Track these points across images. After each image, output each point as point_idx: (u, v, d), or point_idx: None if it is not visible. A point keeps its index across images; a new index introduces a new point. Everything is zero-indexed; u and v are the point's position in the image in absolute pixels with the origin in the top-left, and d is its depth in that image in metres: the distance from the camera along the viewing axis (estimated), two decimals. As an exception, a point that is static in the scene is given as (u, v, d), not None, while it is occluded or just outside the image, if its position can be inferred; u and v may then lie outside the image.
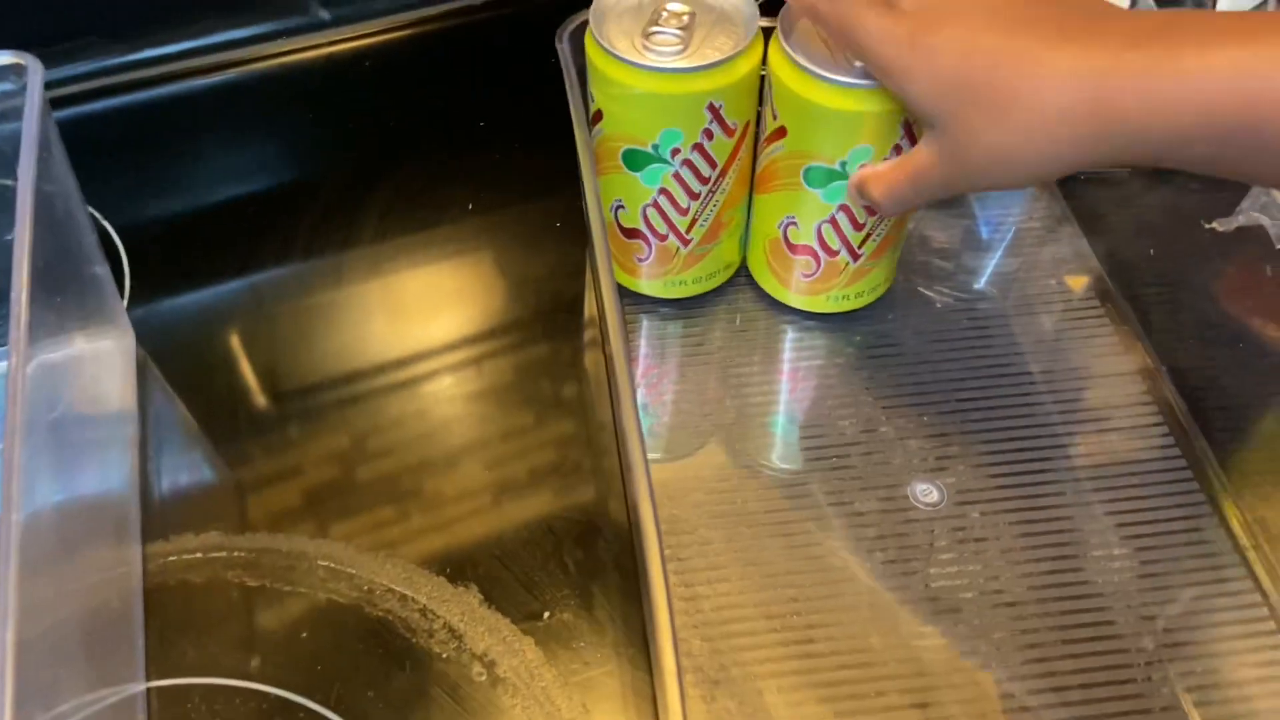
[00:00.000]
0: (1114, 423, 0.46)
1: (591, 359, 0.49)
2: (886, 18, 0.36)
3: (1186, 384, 0.47)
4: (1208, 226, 0.51)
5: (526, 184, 0.55)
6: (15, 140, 0.37)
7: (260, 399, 0.47)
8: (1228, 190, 0.49)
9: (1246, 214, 0.53)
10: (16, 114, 0.38)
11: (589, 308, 0.50)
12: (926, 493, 0.43)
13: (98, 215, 0.52)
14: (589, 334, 0.50)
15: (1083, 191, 0.54)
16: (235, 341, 0.49)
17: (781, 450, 0.45)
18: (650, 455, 0.44)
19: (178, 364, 0.48)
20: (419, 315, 0.50)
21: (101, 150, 0.57)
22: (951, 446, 0.44)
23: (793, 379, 0.47)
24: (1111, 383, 0.47)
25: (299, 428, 0.46)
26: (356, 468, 0.44)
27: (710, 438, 0.45)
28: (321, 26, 0.63)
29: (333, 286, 0.51)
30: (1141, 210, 0.54)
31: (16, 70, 0.39)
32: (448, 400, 0.47)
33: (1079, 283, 0.51)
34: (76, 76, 0.59)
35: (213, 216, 0.54)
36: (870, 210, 0.43)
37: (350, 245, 0.52)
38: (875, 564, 0.41)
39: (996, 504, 0.43)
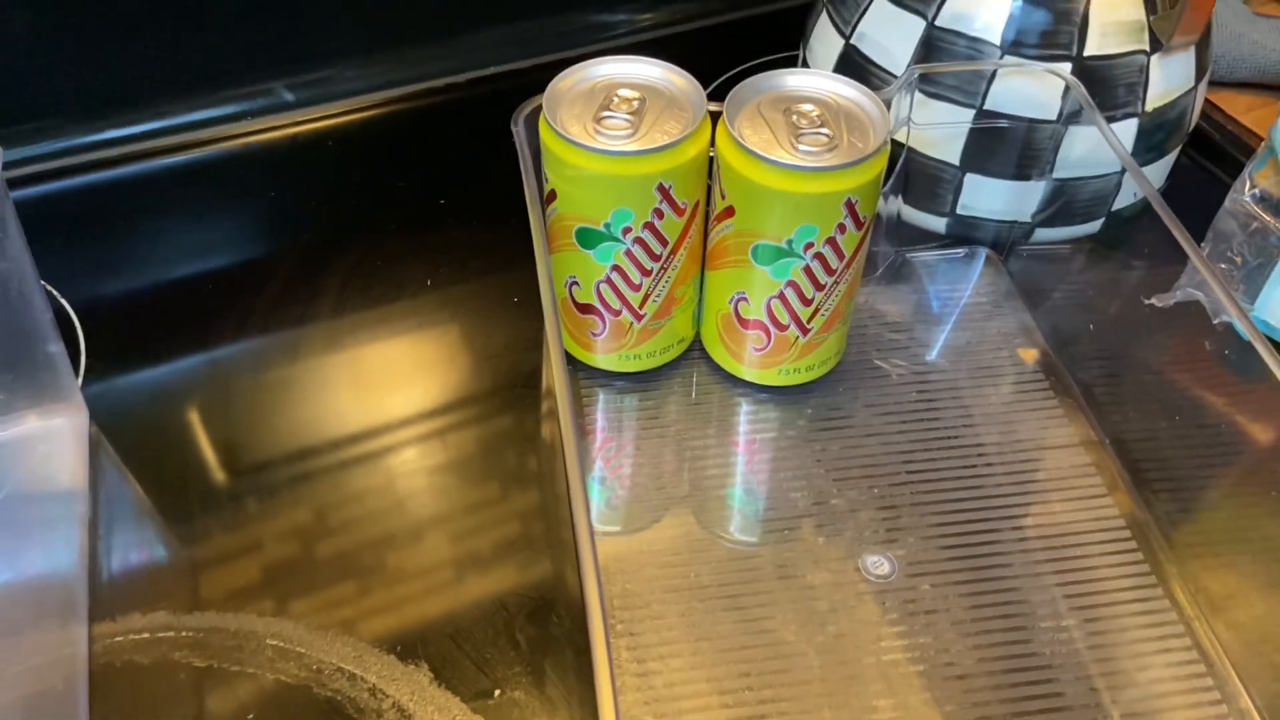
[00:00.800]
0: (1061, 494, 0.46)
1: (549, 430, 0.49)
2: None
3: (1129, 455, 0.48)
4: (1147, 302, 0.53)
5: (484, 260, 0.56)
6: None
7: (215, 475, 0.47)
8: (1167, 266, 0.50)
9: (1184, 290, 0.54)
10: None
11: (547, 379, 0.51)
12: (878, 565, 0.43)
13: (55, 292, 0.53)
14: (547, 405, 0.50)
15: (1027, 267, 0.55)
16: (191, 418, 0.49)
17: (735, 523, 0.45)
18: (605, 528, 0.45)
19: (132, 441, 0.48)
20: (378, 390, 0.51)
21: (62, 228, 0.57)
22: (902, 518, 0.45)
23: (746, 451, 0.48)
24: (1058, 454, 0.48)
25: (254, 504, 0.45)
26: (310, 544, 0.44)
27: (665, 511, 0.45)
28: (285, 108, 0.64)
29: (290, 362, 0.51)
30: (1082, 286, 0.55)
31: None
32: (406, 475, 0.47)
33: (1027, 356, 0.53)
34: (38, 156, 0.60)
35: (172, 294, 0.54)
36: (816, 286, 0.44)
37: (309, 321, 0.53)
38: (828, 637, 0.41)
39: (947, 575, 0.43)
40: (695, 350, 0.51)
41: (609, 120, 0.43)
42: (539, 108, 0.44)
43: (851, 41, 0.54)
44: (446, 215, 0.59)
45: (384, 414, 0.49)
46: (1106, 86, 0.51)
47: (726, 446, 0.48)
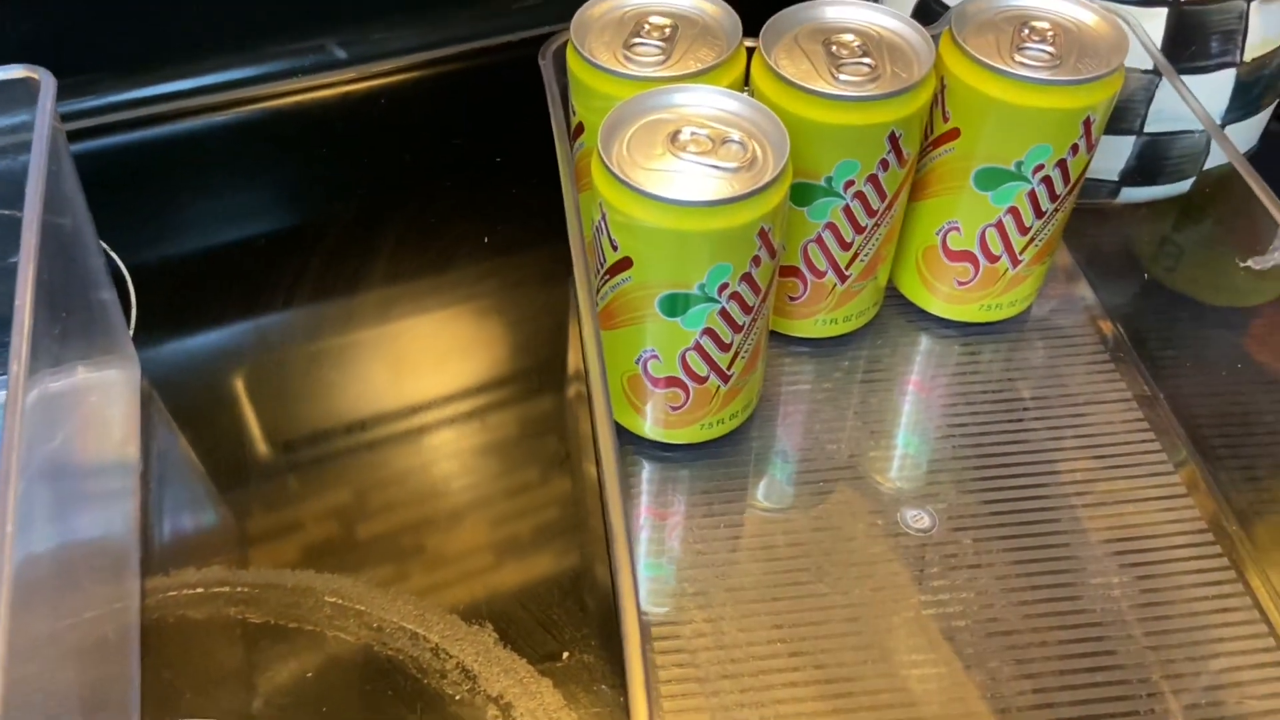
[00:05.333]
0: (1110, 449, 0.44)
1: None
2: None
3: (1185, 411, 0.45)
4: (1243, 265, 0.49)
5: (543, 219, 0.55)
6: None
7: (268, 435, 0.47)
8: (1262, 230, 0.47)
9: None
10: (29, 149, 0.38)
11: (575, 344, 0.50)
12: (917, 518, 0.42)
13: (106, 247, 0.53)
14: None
15: (1075, 222, 0.52)
16: (242, 378, 0.49)
17: (769, 475, 0.44)
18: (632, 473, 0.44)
19: (183, 399, 0.48)
20: (429, 362, 0.50)
21: (112, 185, 0.57)
22: (943, 473, 0.43)
23: (782, 404, 0.46)
24: (1107, 409, 0.45)
25: (308, 466, 0.45)
26: (366, 510, 0.44)
27: (696, 460, 0.44)
28: (337, 65, 0.64)
29: (343, 327, 0.51)
30: (1133, 237, 0.52)
31: (30, 86, 0.38)
32: (468, 440, 0.46)
33: (1074, 308, 0.50)
34: (89, 110, 0.60)
35: (223, 253, 0.55)
36: (856, 229, 0.42)
37: (361, 285, 0.52)
38: (864, 591, 0.40)
39: (989, 530, 0.41)
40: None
41: (639, 47, 0.41)
42: (567, 40, 0.42)
43: None
44: (502, 173, 0.58)
45: (427, 390, 0.48)
46: (1203, 34, 0.48)
47: (761, 399, 0.47)
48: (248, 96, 0.62)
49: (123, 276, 0.52)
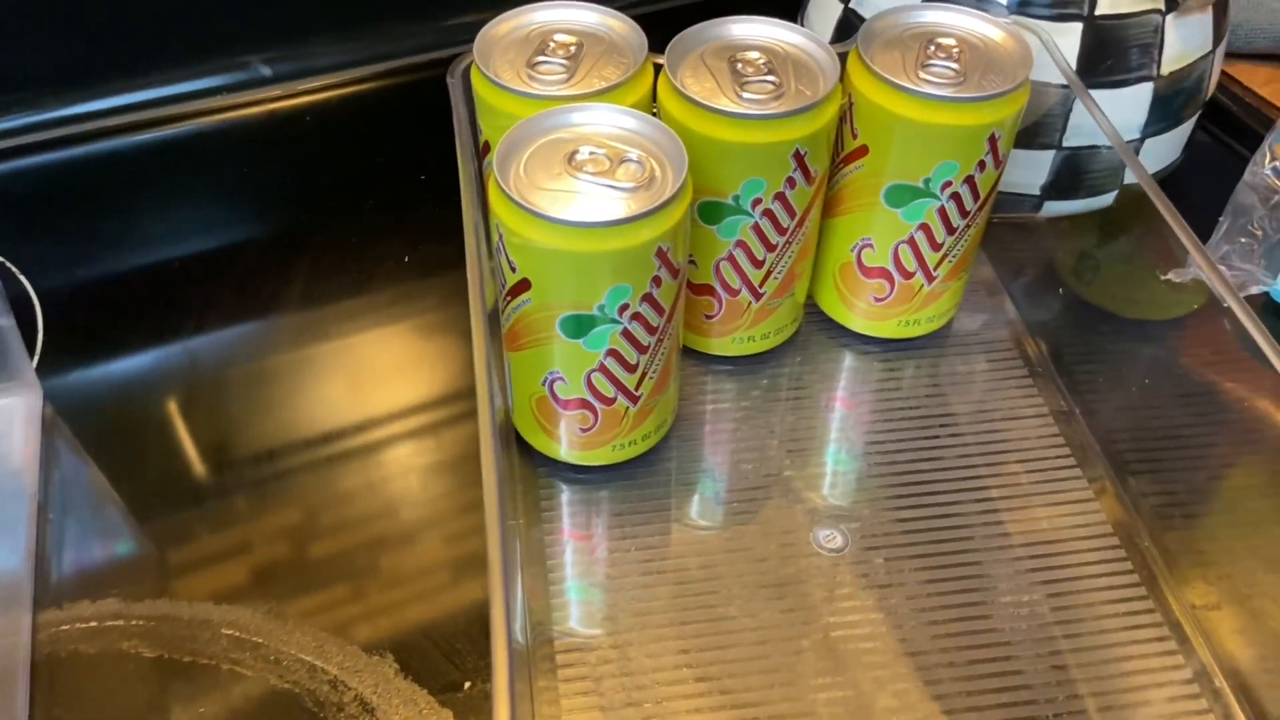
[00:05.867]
0: (1025, 466, 0.44)
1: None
2: None
3: (1100, 425, 0.45)
4: (1164, 278, 0.49)
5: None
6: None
7: (174, 462, 0.46)
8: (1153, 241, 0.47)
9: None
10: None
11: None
12: (830, 538, 0.41)
13: (15, 270, 0.52)
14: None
15: (997, 237, 0.53)
16: (154, 404, 0.48)
17: (681, 495, 0.43)
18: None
19: (91, 425, 0.47)
20: (353, 375, 0.49)
21: (27, 206, 0.57)
22: (859, 490, 0.43)
23: (699, 423, 0.46)
24: (1025, 425, 0.45)
25: (212, 492, 0.44)
26: (266, 534, 0.43)
27: (606, 482, 0.43)
28: (263, 83, 0.63)
29: (259, 347, 0.50)
30: (1055, 251, 0.52)
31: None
32: (381, 468, 0.46)
33: (995, 323, 0.50)
34: (8, 131, 0.59)
35: (139, 276, 0.53)
36: (768, 246, 0.42)
37: (280, 303, 0.52)
38: (775, 613, 0.39)
39: (902, 549, 0.41)
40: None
41: (543, 66, 0.41)
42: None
43: (850, 6, 0.51)
44: (427, 192, 0.57)
45: (364, 408, 0.48)
46: (1119, 48, 0.48)
47: (679, 418, 0.46)
48: (170, 115, 0.61)
49: (30, 302, 0.51)
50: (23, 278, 0.52)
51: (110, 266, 0.54)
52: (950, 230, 0.44)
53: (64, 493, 0.45)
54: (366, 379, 0.49)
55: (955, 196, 0.42)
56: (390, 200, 0.57)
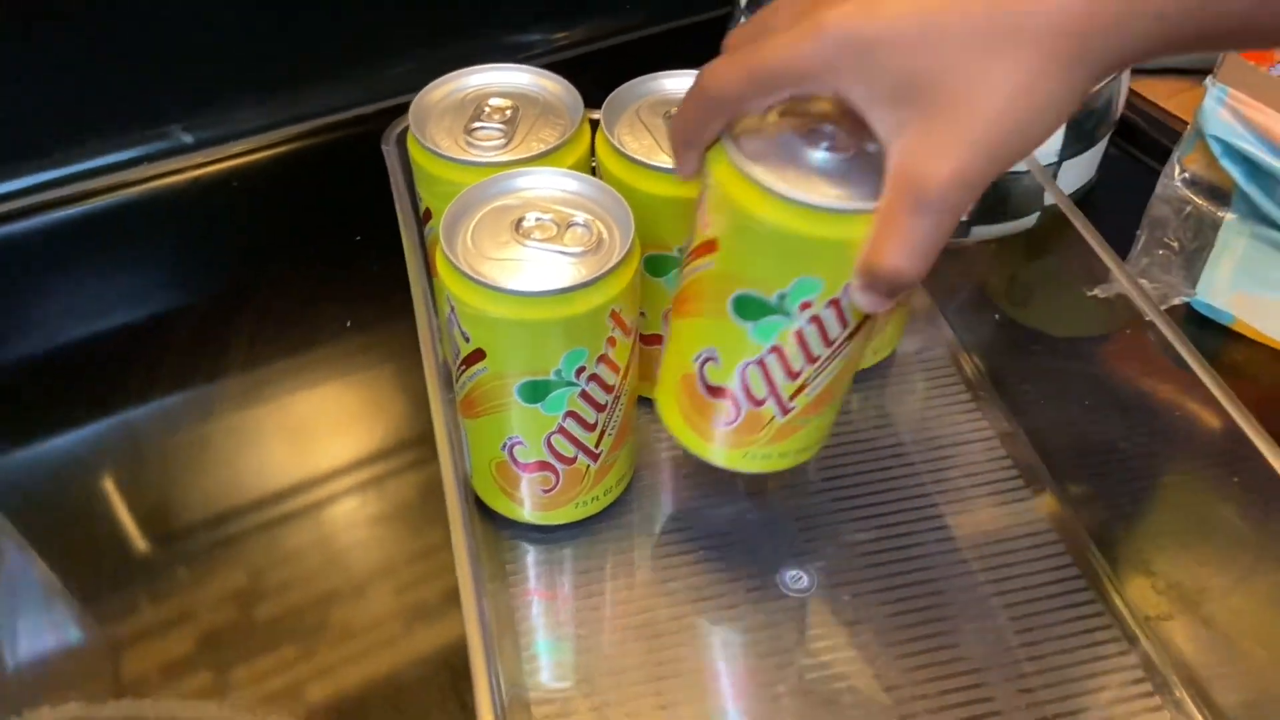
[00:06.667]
0: (976, 489, 0.45)
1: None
2: (786, 33, 0.28)
3: (1042, 443, 0.46)
4: (1090, 294, 0.51)
5: (406, 295, 0.54)
6: None
7: (126, 545, 0.44)
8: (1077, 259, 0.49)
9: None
10: None
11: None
12: (796, 579, 0.42)
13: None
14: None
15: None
16: (98, 486, 0.47)
17: (647, 549, 0.44)
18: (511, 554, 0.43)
19: (32, 516, 0.45)
20: (300, 442, 0.48)
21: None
22: (819, 529, 0.44)
23: (658, 472, 0.46)
24: (972, 450, 0.47)
25: (168, 574, 0.43)
26: (235, 613, 0.42)
27: (572, 537, 0.44)
28: (184, 150, 0.62)
29: (202, 420, 0.49)
30: (986, 275, 0.54)
31: None
32: (340, 529, 0.45)
33: (935, 350, 0.51)
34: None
35: (68, 356, 0.52)
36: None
37: (220, 375, 0.51)
38: (749, 660, 0.40)
39: (868, 584, 0.42)
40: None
41: (480, 131, 0.41)
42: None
43: None
44: (363, 251, 0.57)
45: (309, 467, 0.47)
46: None
47: (638, 470, 0.46)
48: (89, 190, 0.60)
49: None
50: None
51: (37, 346, 0.53)
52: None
53: (10, 591, 0.43)
54: (310, 439, 0.49)
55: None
56: (327, 261, 0.57)
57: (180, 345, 0.52)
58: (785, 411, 0.36)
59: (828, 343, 0.34)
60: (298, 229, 0.59)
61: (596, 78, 0.44)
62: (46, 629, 0.43)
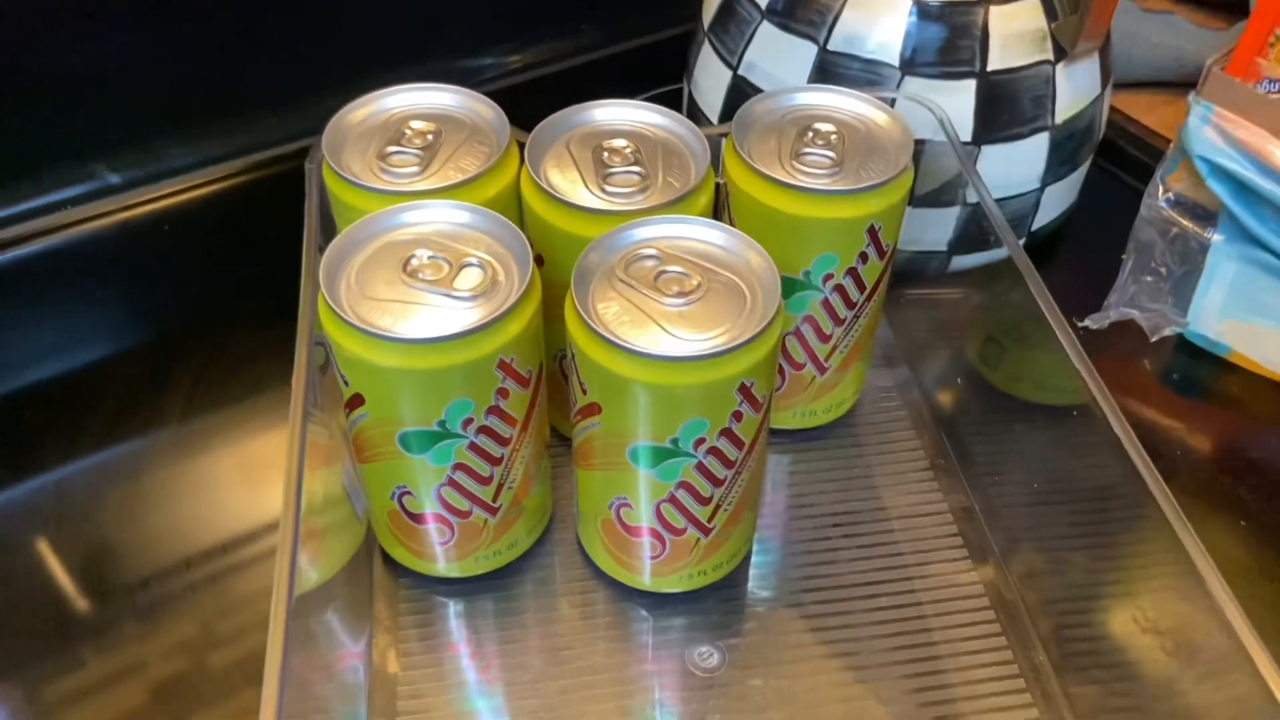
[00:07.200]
0: (920, 568, 0.41)
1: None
2: None
3: (997, 522, 0.43)
4: (1080, 325, 0.50)
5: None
6: None
7: (63, 604, 0.41)
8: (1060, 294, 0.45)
9: (1118, 309, 0.50)
10: None
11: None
12: (706, 656, 0.38)
13: None
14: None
15: (898, 311, 0.51)
16: (28, 548, 0.43)
17: (545, 612, 0.40)
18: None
19: None
20: (241, 492, 0.45)
21: None
22: (738, 600, 0.40)
23: (573, 525, 0.43)
24: (923, 523, 0.43)
25: (114, 630, 0.40)
26: (189, 663, 0.39)
27: (470, 592, 0.40)
28: (111, 191, 0.58)
29: (138, 474, 0.46)
30: (953, 327, 0.51)
31: None
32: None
33: (897, 413, 0.48)
34: None
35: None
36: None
37: (155, 429, 0.47)
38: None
39: (784, 667, 0.38)
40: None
41: (395, 157, 0.38)
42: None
43: (740, 72, 0.50)
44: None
45: (255, 515, 0.44)
46: (1015, 102, 0.47)
47: (555, 519, 0.43)
48: (8, 238, 0.55)
49: None
50: None
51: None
52: (850, 305, 0.41)
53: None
54: (254, 485, 0.46)
55: (852, 271, 0.40)
56: (265, 306, 0.53)
57: (110, 403, 0.49)
58: (707, 532, 0.38)
59: (729, 465, 0.36)
60: (235, 269, 0.55)
61: (553, 102, 0.41)
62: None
